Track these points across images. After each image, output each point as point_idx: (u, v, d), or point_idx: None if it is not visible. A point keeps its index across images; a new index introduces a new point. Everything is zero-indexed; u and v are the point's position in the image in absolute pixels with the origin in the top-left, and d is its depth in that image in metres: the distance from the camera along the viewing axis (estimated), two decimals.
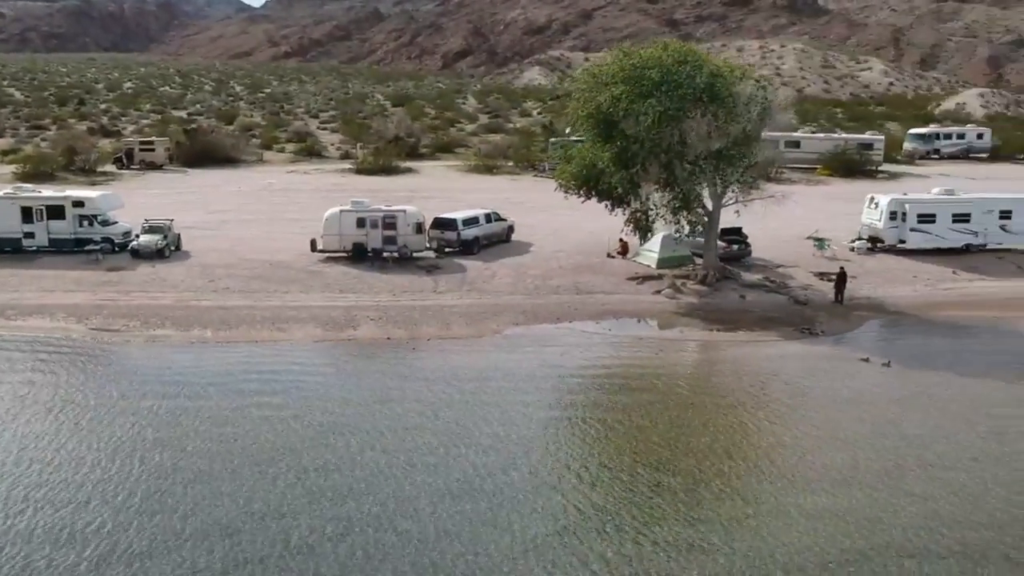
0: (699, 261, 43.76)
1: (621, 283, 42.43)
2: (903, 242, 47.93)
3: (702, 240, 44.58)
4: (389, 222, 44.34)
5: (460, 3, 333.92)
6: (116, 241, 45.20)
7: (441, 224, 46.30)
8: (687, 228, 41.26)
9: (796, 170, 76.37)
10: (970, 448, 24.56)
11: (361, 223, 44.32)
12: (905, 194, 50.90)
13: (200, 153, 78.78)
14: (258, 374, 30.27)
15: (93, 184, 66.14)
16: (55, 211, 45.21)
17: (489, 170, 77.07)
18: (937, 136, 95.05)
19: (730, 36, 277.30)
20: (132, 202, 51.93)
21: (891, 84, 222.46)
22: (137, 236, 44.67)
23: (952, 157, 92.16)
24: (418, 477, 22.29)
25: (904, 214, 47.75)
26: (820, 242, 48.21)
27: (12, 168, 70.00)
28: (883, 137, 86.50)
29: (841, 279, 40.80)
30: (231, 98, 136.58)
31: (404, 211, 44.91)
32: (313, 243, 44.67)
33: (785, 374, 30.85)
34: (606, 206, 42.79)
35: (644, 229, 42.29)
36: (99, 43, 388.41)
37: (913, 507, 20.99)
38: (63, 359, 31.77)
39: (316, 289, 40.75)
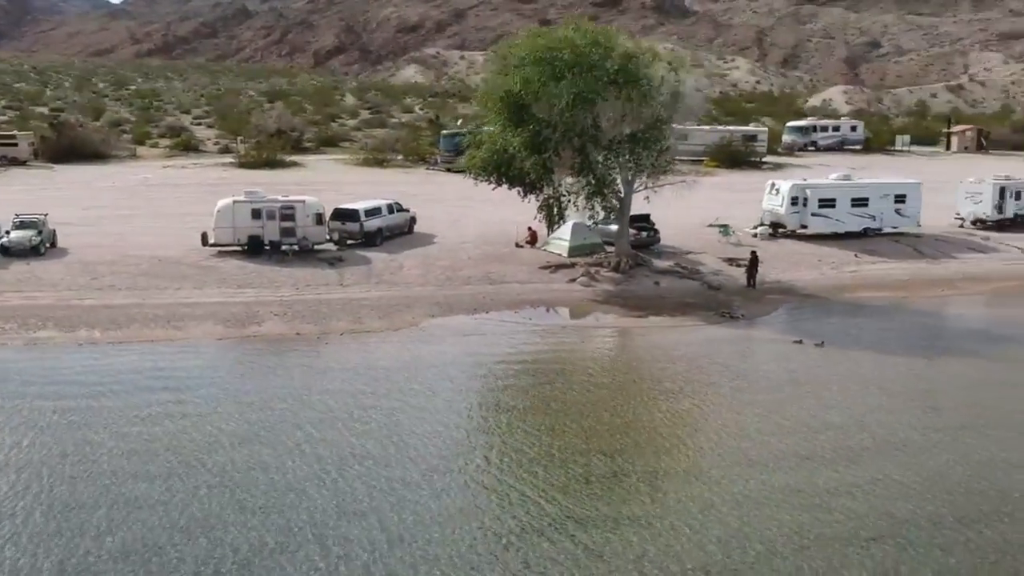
0: (610, 249, 42.98)
1: (534, 272, 41.19)
2: (805, 227, 48.38)
3: (611, 228, 43.97)
4: (287, 213, 41.85)
5: (331, 1, 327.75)
6: None
7: (342, 215, 44.02)
8: (602, 214, 40.37)
9: (684, 162, 76.79)
10: (919, 425, 24.25)
11: (256, 214, 41.66)
12: (805, 180, 51.48)
13: (68, 148, 73.56)
14: (160, 375, 27.63)
15: None
16: None
17: (379, 163, 74.89)
18: (814, 129, 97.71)
19: None
20: None
21: (757, 82, 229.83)
22: (7, 232, 40.76)
23: (828, 149, 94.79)
24: (357, 484, 20.40)
25: (805, 199, 48.21)
26: (724, 228, 48.17)
27: None
28: (766, 129, 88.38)
29: (753, 264, 40.66)
30: (95, 95, 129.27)
31: (303, 201, 42.52)
32: (204, 237, 41.73)
33: (720, 358, 30.19)
34: (518, 192, 41.54)
35: (557, 216, 41.13)
36: None
37: (881, 488, 20.37)
38: None
39: (211, 285, 37.98)
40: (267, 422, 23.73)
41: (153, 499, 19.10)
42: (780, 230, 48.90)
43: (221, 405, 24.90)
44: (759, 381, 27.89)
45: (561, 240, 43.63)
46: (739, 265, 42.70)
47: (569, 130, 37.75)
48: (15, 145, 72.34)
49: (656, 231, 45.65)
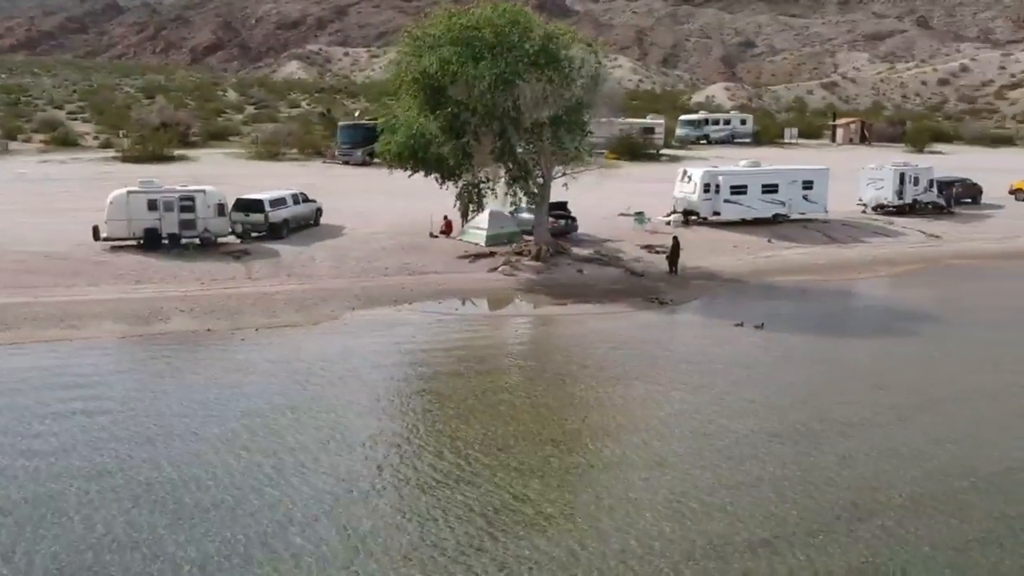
0: (528, 238, 41.84)
1: (453, 262, 39.66)
2: (717, 214, 48.27)
3: (528, 216, 42.91)
4: (186, 204, 39.15)
5: None
6: None
7: (245, 206, 41.48)
8: (524, 200, 39.18)
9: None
10: (873, 403, 23.85)
11: (153, 206, 38.83)
12: (716, 166, 51.48)
13: None
14: (63, 377, 25.00)
15: None
16: None
17: (273, 156, 71.85)
18: (706, 122, 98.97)
19: None
20: None
21: (640, 81, 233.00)
22: None
23: (720, 142, 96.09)
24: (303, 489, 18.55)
25: (718, 186, 48.10)
26: (639, 216, 47.66)
27: None
28: (663, 121, 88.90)
29: (675, 250, 40.10)
30: None
31: (203, 191, 39.87)
32: (96, 230, 38.61)
33: (664, 342, 29.50)
34: (436, 179, 39.94)
35: (476, 204, 39.66)
36: None
37: (849, 467, 19.74)
38: None
39: (107, 281, 35.14)
40: (185, 421, 21.59)
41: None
42: (693, 218, 48.70)
43: (133, 403, 22.59)
44: (709, 363, 27.08)
45: (478, 229, 42.25)
46: (658, 252, 42.21)
47: (489, 113, 36.39)
48: None
49: (574, 219, 44.76)
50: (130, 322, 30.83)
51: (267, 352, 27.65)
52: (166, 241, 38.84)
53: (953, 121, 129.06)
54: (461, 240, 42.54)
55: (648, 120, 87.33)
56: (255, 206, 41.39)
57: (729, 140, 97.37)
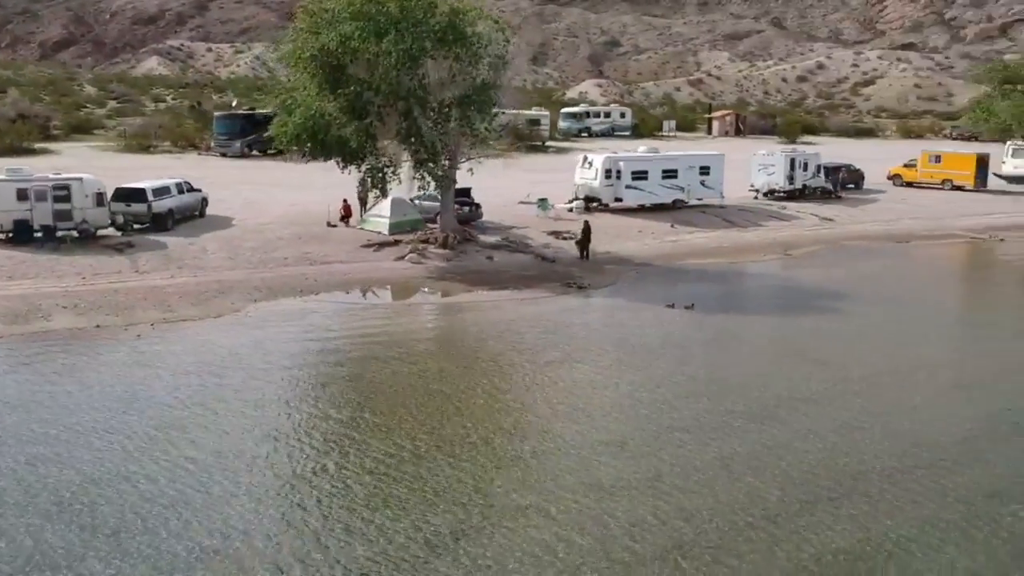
0: (431, 226, 40.23)
1: (356, 251, 37.63)
2: (619, 200, 47.69)
3: (430, 204, 41.35)
4: (60, 193, 35.78)
5: None
6: None
7: (126, 195, 38.29)
8: (432, 184, 37.51)
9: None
10: (819, 379, 23.34)
11: (23, 195, 35.33)
12: (616, 152, 50.96)
13: None
14: None
15: None
16: None
17: (145, 149, 67.65)
18: (587, 115, 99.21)
19: None
20: None
21: (511, 78, 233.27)
22: None
23: (601, 134, 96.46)
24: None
25: (619, 172, 47.52)
26: (542, 203, 46.61)
27: None
28: (548, 113, 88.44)
29: (586, 235, 39.19)
30: None
31: (80, 179, 36.60)
32: None
33: (593, 326, 28.51)
34: (337, 163, 37.81)
35: (380, 189, 37.66)
36: None
37: (815, 443, 19.01)
38: None
39: None
40: (98, 419, 19.14)
41: None
42: (594, 204, 47.94)
43: (32, 406, 19.94)
44: (648, 345, 26.24)
45: (380, 217, 40.34)
46: (565, 238, 41.30)
47: (393, 92, 34.56)
48: None
49: (478, 206, 43.35)
50: (6, 321, 27.68)
51: (172, 347, 25.21)
52: (39, 234, 35.42)
53: (814, 115, 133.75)
54: (361, 229, 40.54)
55: (534, 112, 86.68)
56: (137, 196, 38.28)
57: (610, 133, 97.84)
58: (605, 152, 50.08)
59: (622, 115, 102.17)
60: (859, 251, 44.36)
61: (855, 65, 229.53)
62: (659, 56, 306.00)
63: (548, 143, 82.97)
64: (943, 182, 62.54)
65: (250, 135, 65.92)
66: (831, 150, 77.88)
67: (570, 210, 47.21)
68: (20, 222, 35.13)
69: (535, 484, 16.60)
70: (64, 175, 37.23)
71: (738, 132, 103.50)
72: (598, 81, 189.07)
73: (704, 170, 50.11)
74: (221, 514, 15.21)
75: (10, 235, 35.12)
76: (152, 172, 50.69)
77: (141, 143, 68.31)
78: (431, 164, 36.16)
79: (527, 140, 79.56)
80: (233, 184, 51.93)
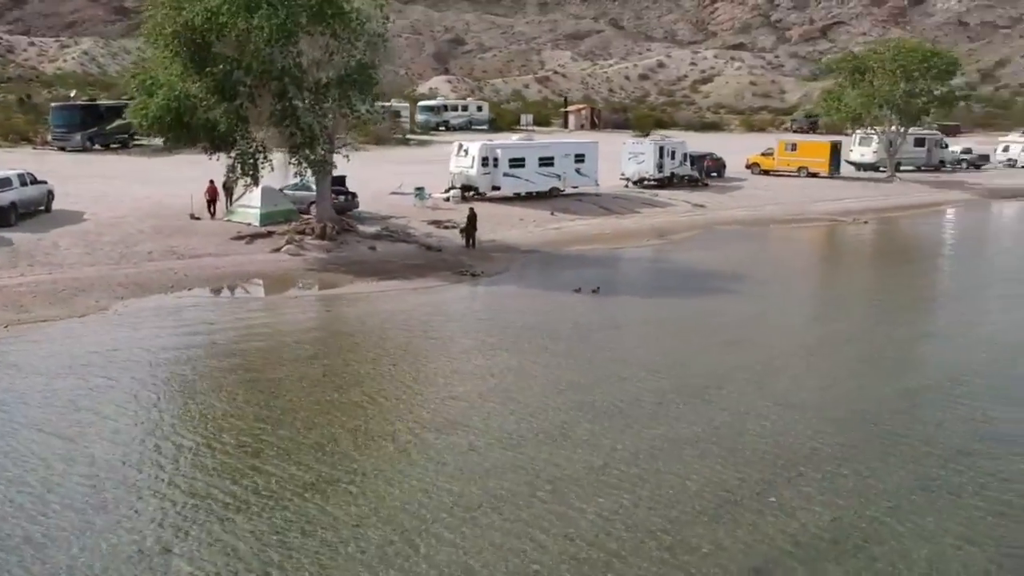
0: (305, 216, 37.96)
1: (227, 244, 34.96)
2: (497, 188, 46.57)
3: (302, 194, 39.11)
4: None
5: None
6: None
7: None
8: (310, 171, 35.26)
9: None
10: (740, 358, 22.82)
11: None
12: (491, 139, 49.84)
13: None
14: None
15: None
16: None
17: None
18: (445, 108, 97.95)
19: None
20: None
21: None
22: None
23: (459, 128, 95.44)
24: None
25: (496, 160, 46.38)
26: (419, 192, 44.99)
27: None
28: (408, 105, 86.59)
29: (472, 223, 37.84)
30: None
31: None
32: None
33: (499, 312, 27.16)
34: (204, 149, 35.03)
35: (252, 176, 35.02)
36: None
37: (760, 423, 18.31)
38: None
39: None
40: None
41: None
42: (471, 193, 46.63)
43: None
44: (562, 330, 25.02)
45: (249, 208, 37.74)
46: (447, 227, 39.94)
47: (266, 72, 32.17)
48: None
49: (354, 195, 41.31)
50: None
51: (38, 349, 22.27)
52: None
53: (659, 111, 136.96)
54: (229, 221, 37.84)
55: (394, 104, 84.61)
56: None
57: (467, 126, 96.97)
58: (481, 140, 48.82)
59: (479, 109, 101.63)
60: (734, 235, 44.91)
61: (693, 64, 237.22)
62: (504, 54, 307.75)
63: (409, 136, 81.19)
64: (799, 169, 64.54)
65: (91, 127, 61.35)
66: (688, 142, 79.54)
67: (447, 199, 45.79)
68: None
69: (479, 479, 15.10)
70: None
71: (593, 126, 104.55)
72: (448, 77, 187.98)
73: (579, 158, 49.66)
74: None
75: None
76: None
77: None
78: (308, 149, 33.88)
79: (389, 133, 77.64)
80: (77, 178, 47.75)
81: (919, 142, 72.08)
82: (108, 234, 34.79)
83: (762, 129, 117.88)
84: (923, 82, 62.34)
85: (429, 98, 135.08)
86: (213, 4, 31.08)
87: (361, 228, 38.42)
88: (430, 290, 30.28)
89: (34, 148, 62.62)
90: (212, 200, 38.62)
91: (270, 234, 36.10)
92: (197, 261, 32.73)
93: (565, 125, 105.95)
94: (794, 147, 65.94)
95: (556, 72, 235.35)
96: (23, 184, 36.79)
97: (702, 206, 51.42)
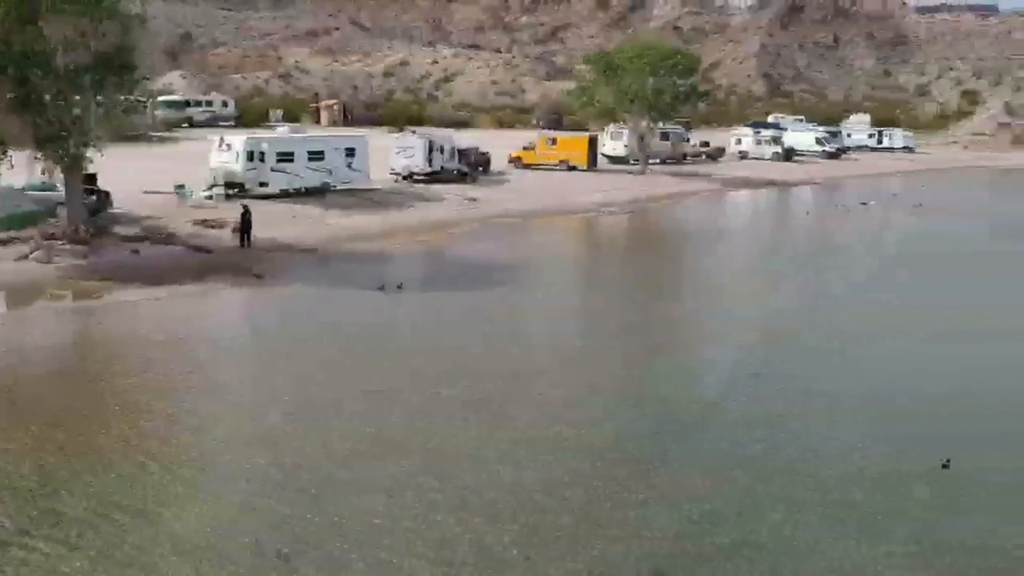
0: (53, 220, 33.82)
1: None
2: (265, 184, 43.69)
3: (51, 194, 34.88)
4: None
5: None
6: None
7: None
8: (59, 168, 31.32)
9: None
10: (574, 348, 22.39)
11: None
12: (255, 133, 46.87)
13: None
14: None
15: None
16: None
17: None
18: (188, 103, 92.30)
19: None
20: None
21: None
22: None
23: (204, 124, 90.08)
24: None
25: (263, 154, 43.56)
26: (181, 190, 41.50)
27: None
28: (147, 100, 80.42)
29: (247, 221, 35.26)
30: None
31: None
32: None
33: (304, 313, 25.20)
34: None
35: None
36: None
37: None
38: None
39: None
40: None
41: None
42: (234, 190, 43.50)
43: None
44: (386, 326, 24.05)
45: None
46: (215, 227, 37.02)
47: (3, 55, 28.19)
48: None
49: (108, 194, 37.34)
50: None
51: None
52: None
53: (409, 108, 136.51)
54: None
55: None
56: None
57: (213, 122, 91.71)
58: (244, 133, 45.80)
59: (224, 105, 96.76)
60: (514, 228, 45.16)
61: (435, 62, 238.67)
62: (239, 50, 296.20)
63: (152, 133, 75.43)
64: (560, 163, 65.90)
65: None
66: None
67: (209, 197, 42.49)
68: None
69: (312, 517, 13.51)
70: None
71: (346, 121, 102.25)
72: (182, 72, 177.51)
73: (350, 152, 47.83)
74: None
75: None
76: None
77: None
78: (59, 144, 30.05)
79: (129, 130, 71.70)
80: None
81: (664, 136, 75.83)
82: None
83: (511, 126, 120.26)
84: (669, 78, 65.49)
85: (166, 93, 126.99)
86: None
87: (118, 230, 34.77)
88: (214, 294, 27.89)
89: None
90: None
91: (12, 240, 31.76)
92: None
93: (317, 121, 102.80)
94: (554, 142, 67.29)
95: (297, 68, 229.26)
96: None
97: (475, 200, 51.13)
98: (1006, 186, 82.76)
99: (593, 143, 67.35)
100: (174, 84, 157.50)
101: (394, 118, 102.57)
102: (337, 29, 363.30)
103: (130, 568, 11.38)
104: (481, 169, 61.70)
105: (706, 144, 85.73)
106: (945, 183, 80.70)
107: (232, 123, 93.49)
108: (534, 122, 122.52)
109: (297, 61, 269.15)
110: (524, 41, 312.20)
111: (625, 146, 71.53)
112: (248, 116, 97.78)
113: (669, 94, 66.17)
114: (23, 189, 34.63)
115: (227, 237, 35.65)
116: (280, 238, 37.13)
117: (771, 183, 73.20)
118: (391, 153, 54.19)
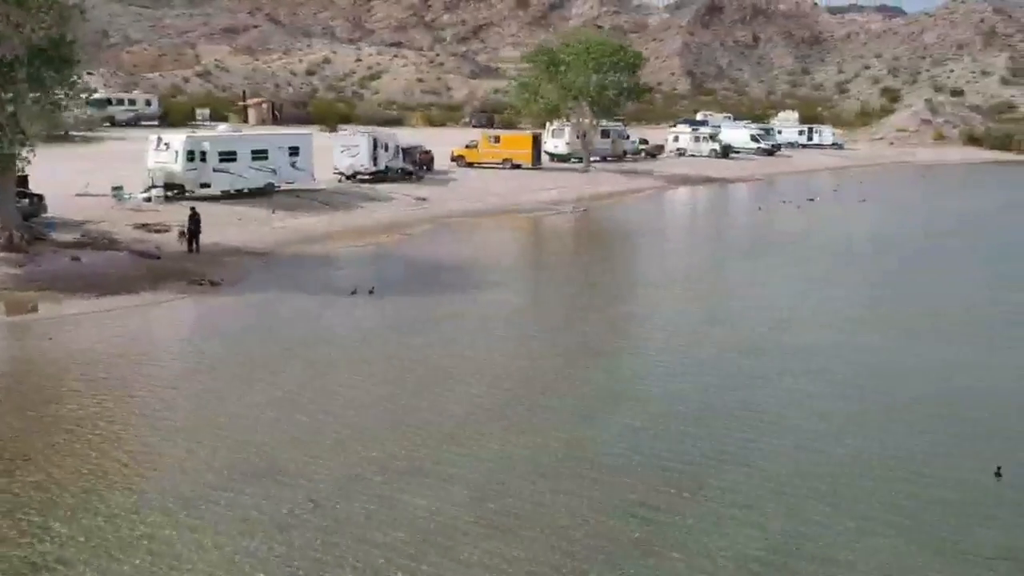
0: None
1: None
2: (207, 185, 41.57)
3: None
4: None
5: None
6: None
7: None
8: None
9: None
10: (557, 345, 21.30)
11: None
12: (195, 131, 44.64)
13: None
14: None
15: None
16: None
17: None
18: (110, 102, 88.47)
19: None
20: None
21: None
22: None
23: (127, 123, 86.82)
24: None
25: (204, 153, 41.44)
26: (118, 192, 39.22)
27: None
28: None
29: (196, 224, 33.28)
30: None
31: None
32: None
33: (282, 321, 23.63)
34: None
35: None
36: None
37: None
38: None
39: None
40: None
41: None
42: (174, 191, 41.31)
43: None
44: (375, 333, 22.50)
45: None
46: (158, 231, 34.96)
47: None
48: None
49: (41, 197, 34.88)
50: None
51: None
52: None
53: (338, 106, 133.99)
54: None
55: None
56: None
57: (135, 122, 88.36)
58: (184, 132, 43.58)
59: (148, 103, 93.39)
60: (467, 227, 44.05)
61: (359, 60, 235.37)
62: (155, 48, 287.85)
63: (74, 133, 72.02)
64: (504, 161, 64.74)
65: None
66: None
67: (147, 199, 40.25)
68: None
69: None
70: None
71: (275, 120, 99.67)
72: (101, 70, 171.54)
73: (294, 151, 45.94)
74: None
75: None
76: None
77: None
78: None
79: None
80: None
81: (605, 133, 75.20)
82: None
83: (442, 124, 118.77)
84: (613, 75, 64.87)
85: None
86: None
87: (55, 236, 32.45)
88: (169, 304, 25.88)
89: None
90: None
91: None
92: None
93: (245, 119, 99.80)
94: (498, 139, 66.06)
95: (217, 67, 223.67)
96: None
97: (424, 199, 49.68)
98: (933, 180, 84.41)
99: (537, 141, 66.42)
100: (90, 83, 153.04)
101: (323, 117, 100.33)
102: (256, 27, 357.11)
103: None
104: (426, 168, 60.24)
105: (645, 142, 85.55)
106: (879, 178, 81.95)
107: (156, 122, 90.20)
108: (465, 120, 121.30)
109: (217, 59, 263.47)
110: (446, 39, 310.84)
111: (567, 144, 70.75)
112: (173, 115, 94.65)
113: (612, 90, 65.53)
114: None
115: (173, 241, 33.63)
116: (226, 242, 35.15)
117: (710, 180, 73.28)
118: (335, 152, 52.36)
